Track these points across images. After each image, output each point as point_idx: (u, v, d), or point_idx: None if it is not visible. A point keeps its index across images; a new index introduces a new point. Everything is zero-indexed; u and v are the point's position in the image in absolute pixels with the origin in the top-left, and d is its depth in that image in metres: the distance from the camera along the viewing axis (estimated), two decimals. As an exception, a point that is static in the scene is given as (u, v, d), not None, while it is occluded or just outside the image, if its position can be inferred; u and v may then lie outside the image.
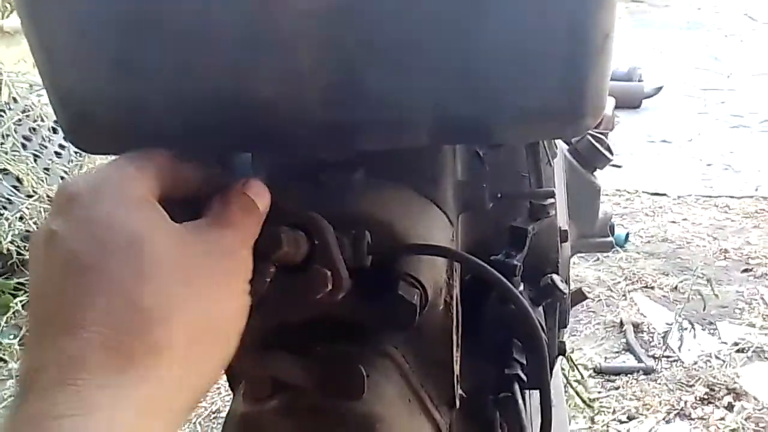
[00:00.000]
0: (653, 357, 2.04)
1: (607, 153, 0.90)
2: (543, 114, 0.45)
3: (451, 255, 0.53)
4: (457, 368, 0.57)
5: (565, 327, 0.82)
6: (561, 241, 0.75)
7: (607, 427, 1.76)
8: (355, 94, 0.45)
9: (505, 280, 0.51)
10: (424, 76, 0.44)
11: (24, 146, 2.60)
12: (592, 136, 0.89)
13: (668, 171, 3.31)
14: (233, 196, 0.42)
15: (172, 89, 0.46)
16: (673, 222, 2.88)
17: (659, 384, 1.93)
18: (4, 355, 2.19)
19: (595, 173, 0.91)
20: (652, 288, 2.39)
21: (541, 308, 0.74)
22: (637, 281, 2.42)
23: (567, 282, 0.76)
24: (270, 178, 0.64)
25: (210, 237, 0.39)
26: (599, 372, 1.98)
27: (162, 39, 0.44)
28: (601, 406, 1.85)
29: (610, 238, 0.95)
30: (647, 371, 1.97)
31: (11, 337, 2.24)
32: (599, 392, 1.92)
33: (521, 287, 0.71)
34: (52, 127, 2.78)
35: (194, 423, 1.91)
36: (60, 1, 0.45)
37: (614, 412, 1.83)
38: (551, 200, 0.71)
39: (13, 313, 2.26)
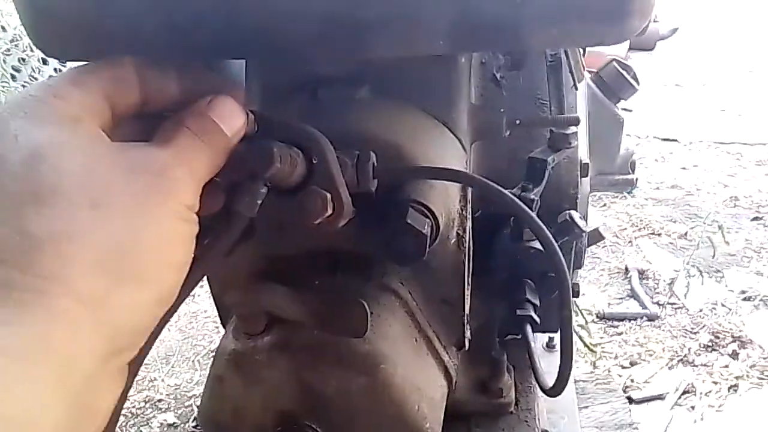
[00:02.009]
0: (658, 304, 2.02)
1: (633, 82, 0.82)
2: (582, 12, 0.38)
3: (467, 180, 0.47)
4: (467, 307, 0.52)
5: (580, 268, 0.77)
6: (581, 175, 0.69)
7: (609, 371, 1.75)
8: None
9: (529, 210, 0.46)
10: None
11: (13, 77, 2.51)
12: (618, 62, 0.82)
13: (680, 116, 3.21)
14: (189, 115, 0.35)
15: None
16: (684, 168, 2.81)
17: (663, 331, 1.91)
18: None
19: (618, 104, 0.85)
20: (659, 235, 2.35)
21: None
22: (644, 228, 2.38)
23: (585, 219, 0.71)
24: (262, 92, 0.58)
25: (137, 155, 0.33)
26: (602, 317, 1.96)
27: None
28: (604, 351, 1.83)
29: (632, 176, 0.89)
30: (651, 318, 1.95)
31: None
32: (602, 337, 1.90)
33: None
34: (42, 58, 2.68)
35: (192, 361, 1.90)
36: None
37: (616, 357, 1.81)
38: (574, 129, 0.64)
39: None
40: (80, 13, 0.41)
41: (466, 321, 0.52)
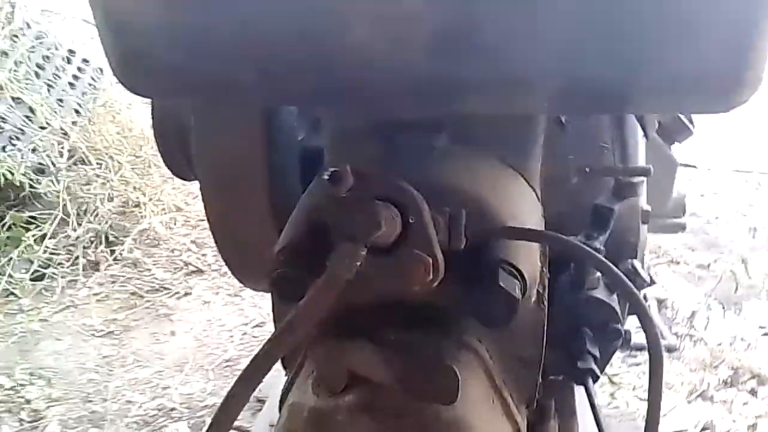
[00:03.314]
0: (676, 335, 1.99)
1: (689, 125, 0.81)
2: (695, 83, 0.37)
3: (559, 243, 0.46)
4: (541, 367, 0.51)
5: (634, 314, 0.76)
6: (642, 222, 0.68)
7: (627, 403, 1.73)
8: (468, 44, 0.37)
9: (618, 271, 0.44)
10: (555, 27, 0.36)
11: (37, 75, 2.50)
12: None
13: (699, 142, 3.19)
14: None
15: (244, 24, 0.38)
16: (702, 195, 2.79)
17: (682, 363, 1.89)
18: (15, 289, 2.16)
19: (672, 147, 0.83)
20: (678, 263, 2.33)
21: (615, 296, 0.67)
22: (662, 255, 2.36)
23: (644, 266, 0.69)
24: (334, 132, 0.57)
25: None
26: (631, 349, 1.94)
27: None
28: (622, 382, 1.81)
29: (683, 220, 0.87)
30: (670, 349, 1.93)
31: (23, 271, 2.20)
32: (620, 367, 1.88)
33: (598, 273, 0.65)
34: (66, 57, 2.68)
35: (206, 370, 1.89)
36: None
37: (635, 388, 1.79)
38: (640, 178, 0.63)
39: (25, 247, 2.22)
40: (173, 57, 0.40)
41: (539, 380, 0.51)
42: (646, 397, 1.62)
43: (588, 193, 0.64)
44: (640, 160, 0.69)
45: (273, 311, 0.51)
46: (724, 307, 2.08)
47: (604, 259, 0.45)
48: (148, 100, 0.73)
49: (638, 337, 1.78)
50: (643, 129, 0.66)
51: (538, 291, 0.48)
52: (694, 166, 2.99)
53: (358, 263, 0.36)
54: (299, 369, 0.48)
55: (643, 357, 1.91)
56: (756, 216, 2.62)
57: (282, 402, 0.48)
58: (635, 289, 0.45)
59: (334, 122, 0.54)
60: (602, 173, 0.62)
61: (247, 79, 0.40)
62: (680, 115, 0.81)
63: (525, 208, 0.50)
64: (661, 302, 2.12)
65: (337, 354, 0.43)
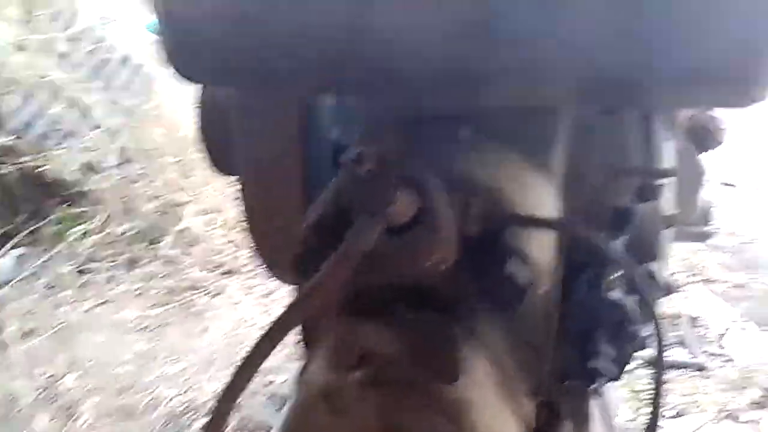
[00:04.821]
0: (707, 353, 1.96)
1: (721, 134, 0.82)
2: (711, 77, 0.38)
3: (573, 232, 0.47)
4: (550, 356, 0.52)
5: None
6: (664, 227, 0.69)
7: (655, 420, 1.70)
8: (490, 36, 0.39)
9: (635, 268, 0.46)
10: (575, 22, 0.38)
11: (94, 77, 2.61)
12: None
13: (740, 161, 3.13)
14: None
15: (292, 17, 0.41)
16: (741, 215, 2.73)
17: (711, 382, 1.85)
18: (58, 282, 2.24)
19: (702, 154, 0.84)
20: (714, 282, 2.29)
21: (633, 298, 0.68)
22: (698, 274, 2.32)
23: (665, 273, 0.70)
24: (370, 125, 0.59)
25: None
26: (649, 363, 1.91)
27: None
28: (647, 398, 1.78)
29: (710, 228, 0.87)
30: (700, 368, 1.89)
31: (66, 265, 2.28)
32: (648, 384, 1.85)
33: (618, 274, 0.66)
34: (122, 60, 2.79)
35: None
36: None
37: (663, 407, 1.76)
38: (664, 180, 0.64)
39: (71, 242, 2.31)
40: (222, 44, 0.43)
41: (547, 370, 0.52)
42: (670, 413, 1.59)
43: (610, 193, 0.65)
44: (666, 164, 0.69)
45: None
46: (758, 328, 2.03)
47: (616, 250, 0.46)
48: (194, 104, 0.77)
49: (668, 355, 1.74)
50: (670, 131, 0.67)
51: (550, 282, 0.49)
52: (734, 185, 2.94)
53: (375, 236, 0.38)
54: (317, 346, 0.50)
55: (673, 375, 1.88)
56: (797, 237, 2.56)
57: (300, 378, 0.50)
58: (646, 288, 0.46)
59: (364, 117, 0.57)
60: (625, 173, 0.64)
61: (287, 66, 0.43)
62: (712, 124, 0.82)
63: (542, 202, 0.52)
64: (693, 320, 2.08)
65: (350, 330, 0.45)
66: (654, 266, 0.67)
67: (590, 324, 0.66)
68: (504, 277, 0.43)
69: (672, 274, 2.32)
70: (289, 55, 0.41)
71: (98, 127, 2.49)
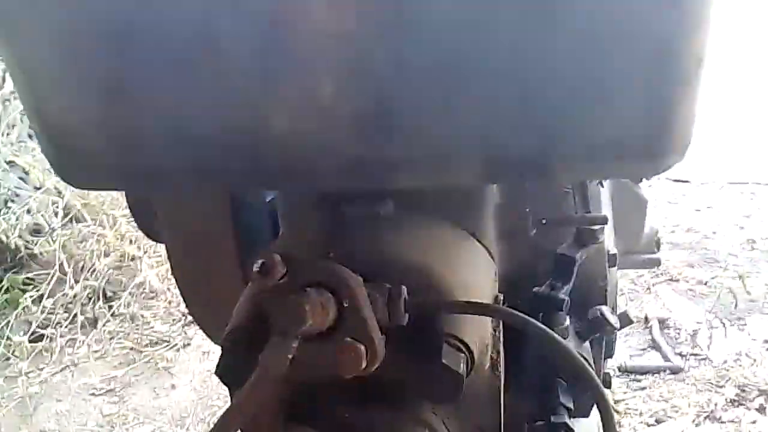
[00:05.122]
0: (680, 355, 1.97)
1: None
2: (619, 151, 0.37)
3: (504, 316, 0.45)
4: (502, 432, 0.50)
5: (611, 357, 0.75)
6: (609, 266, 0.68)
7: (635, 430, 1.70)
8: (387, 126, 0.37)
9: (569, 348, 0.44)
10: (473, 104, 0.36)
11: (30, 137, 2.54)
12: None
13: (691, 156, 3.19)
14: None
15: (174, 118, 0.39)
16: (698, 210, 2.78)
17: (687, 384, 1.86)
18: (14, 352, 2.15)
19: (640, 184, 0.83)
20: (678, 281, 2.31)
21: (587, 343, 0.66)
22: (661, 274, 2.34)
23: (614, 310, 0.69)
24: (284, 206, 0.57)
25: None
26: (624, 371, 1.91)
27: (159, 57, 0.37)
28: (627, 408, 1.78)
29: (657, 255, 0.87)
30: (675, 370, 1.90)
31: (21, 333, 2.20)
32: (624, 392, 1.85)
33: (567, 321, 0.64)
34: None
35: (208, 423, 1.87)
36: (40, 14, 0.38)
37: (641, 414, 1.76)
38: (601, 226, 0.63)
39: (23, 308, 2.22)
40: (104, 151, 0.40)
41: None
42: (654, 422, 1.57)
43: (549, 243, 0.64)
44: (603, 204, 0.69)
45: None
46: (725, 324, 2.06)
47: (557, 336, 0.44)
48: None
49: (642, 360, 1.75)
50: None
51: (491, 357, 0.47)
52: (688, 181, 2.99)
53: (290, 356, 0.35)
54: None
55: (649, 380, 1.88)
56: (753, 227, 2.61)
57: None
58: (586, 364, 0.45)
59: (286, 199, 0.54)
60: (560, 223, 0.62)
61: (177, 168, 0.41)
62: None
63: (476, 272, 0.50)
64: (662, 322, 2.09)
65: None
66: (604, 309, 0.65)
67: (548, 376, 0.64)
68: (439, 369, 0.41)
69: (640, 275, 2.34)
70: (177, 157, 0.39)
71: (39, 187, 2.42)
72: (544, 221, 0.59)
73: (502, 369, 0.48)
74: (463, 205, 0.54)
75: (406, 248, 0.47)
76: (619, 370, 1.92)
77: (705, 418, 1.74)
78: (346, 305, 0.39)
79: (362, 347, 0.37)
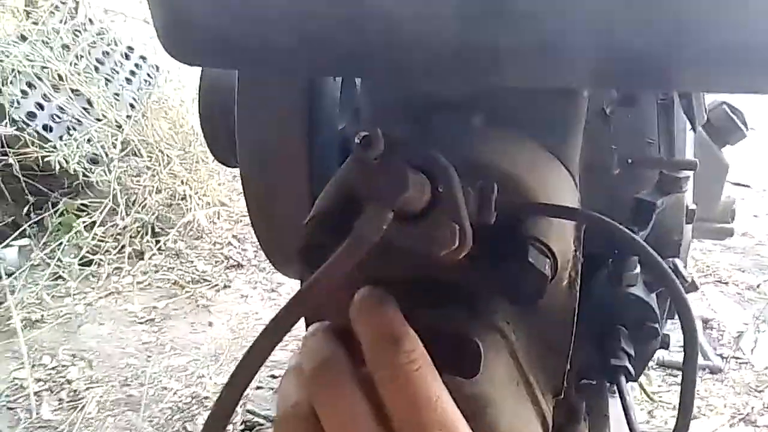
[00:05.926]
0: (721, 356, 1.92)
1: (743, 127, 0.78)
2: (744, 59, 0.35)
3: (594, 221, 0.44)
4: (570, 354, 0.49)
5: (673, 318, 0.73)
6: (687, 221, 0.66)
7: (666, 423, 1.67)
8: (497, 11, 0.36)
9: (660, 260, 0.43)
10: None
11: (96, 69, 2.60)
12: (728, 105, 0.78)
13: (754, 161, 3.08)
14: None
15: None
16: (756, 216, 2.69)
17: (726, 386, 1.82)
18: (63, 273, 2.23)
19: (723, 149, 0.80)
20: (726, 283, 2.25)
21: (654, 295, 0.65)
22: (710, 275, 2.28)
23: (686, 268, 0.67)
24: (371, 112, 0.57)
25: None
26: (662, 364, 1.88)
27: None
28: (661, 401, 1.75)
29: (731, 225, 0.84)
30: (714, 371, 1.86)
31: (72, 256, 2.27)
32: (659, 386, 1.82)
33: (637, 269, 0.63)
34: (125, 53, 2.77)
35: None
36: None
37: (674, 408, 1.73)
38: (687, 173, 0.61)
39: (75, 233, 2.30)
40: (217, 25, 0.40)
41: (567, 368, 0.49)
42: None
43: (630, 186, 0.62)
44: (688, 155, 0.66)
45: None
46: (773, 330, 2.00)
47: (641, 241, 0.43)
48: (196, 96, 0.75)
49: (681, 356, 1.72)
50: (691, 123, 0.63)
51: (570, 275, 0.46)
52: (749, 186, 2.89)
53: (385, 225, 0.35)
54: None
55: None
56: (812, 239, 2.52)
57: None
58: (673, 275, 0.43)
59: (372, 106, 0.54)
60: (645, 165, 0.61)
61: (286, 45, 0.40)
62: (733, 116, 0.78)
63: (561, 190, 0.49)
64: (706, 322, 2.04)
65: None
66: (677, 262, 0.64)
67: (611, 321, 0.63)
68: (525, 268, 0.40)
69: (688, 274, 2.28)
70: (286, 33, 0.38)
71: (101, 119, 2.48)
72: (630, 161, 0.57)
73: (578, 290, 0.47)
74: (552, 129, 0.52)
75: (494, 156, 0.47)
76: (657, 363, 1.88)
77: (740, 420, 1.70)
78: (441, 190, 0.38)
79: (456, 226, 0.37)
